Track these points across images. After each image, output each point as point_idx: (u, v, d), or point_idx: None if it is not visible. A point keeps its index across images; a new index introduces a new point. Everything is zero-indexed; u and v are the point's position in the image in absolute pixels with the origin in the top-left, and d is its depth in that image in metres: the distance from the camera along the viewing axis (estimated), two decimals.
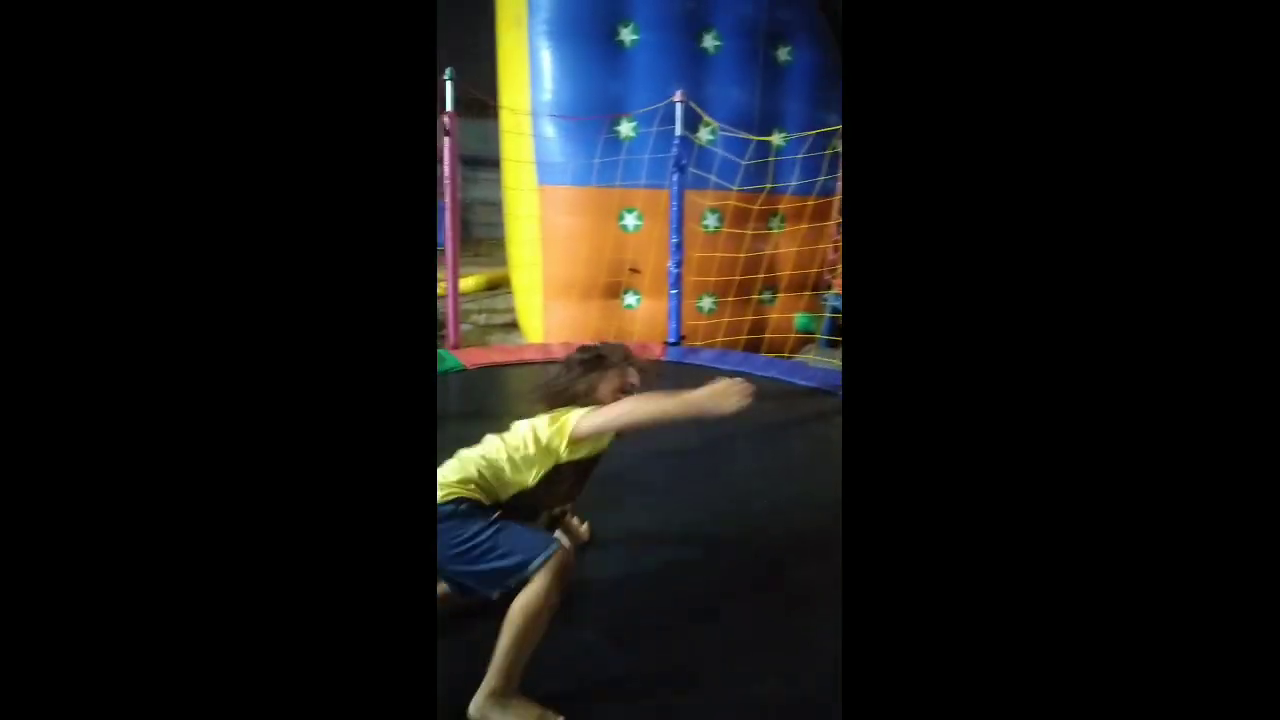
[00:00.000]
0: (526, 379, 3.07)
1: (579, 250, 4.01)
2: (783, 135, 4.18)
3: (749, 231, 4.09)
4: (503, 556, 1.14)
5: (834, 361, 3.59)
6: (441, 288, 3.34)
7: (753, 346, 4.11)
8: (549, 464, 1.28)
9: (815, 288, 4.40)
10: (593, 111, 3.91)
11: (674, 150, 3.65)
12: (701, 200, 3.95)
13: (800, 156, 4.08)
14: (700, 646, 1.28)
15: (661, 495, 1.92)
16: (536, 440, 1.27)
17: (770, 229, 4.25)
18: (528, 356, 3.36)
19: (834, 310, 4.41)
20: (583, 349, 1.44)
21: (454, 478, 1.23)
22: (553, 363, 3.26)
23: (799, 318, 4.41)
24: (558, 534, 1.35)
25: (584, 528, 1.61)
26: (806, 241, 4.23)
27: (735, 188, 3.95)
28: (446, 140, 3.30)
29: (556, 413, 1.30)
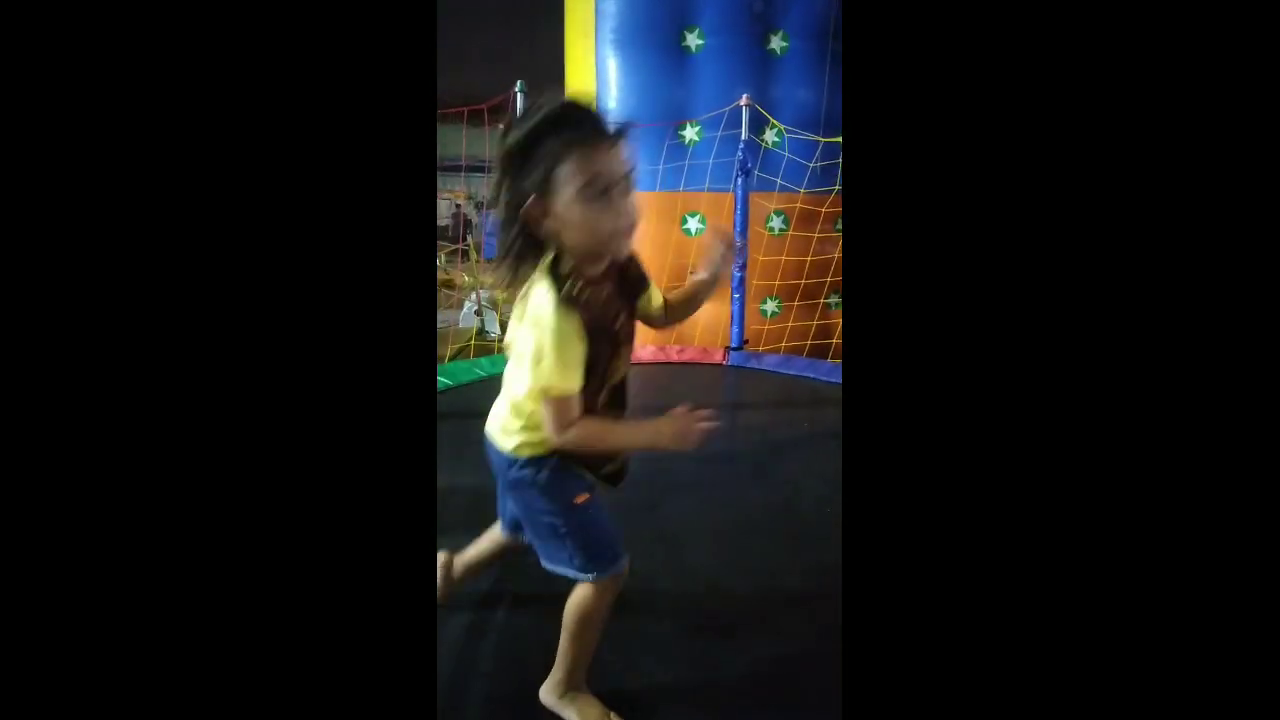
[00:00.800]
0: None
1: (642, 255, 4.03)
2: None
3: (816, 234, 4.03)
4: (575, 551, 1.07)
5: None
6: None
7: (818, 351, 4.04)
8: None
9: None
10: (658, 118, 3.94)
11: (739, 154, 3.64)
12: (766, 203, 3.91)
13: None
14: (742, 654, 1.29)
15: (708, 495, 1.93)
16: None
17: (838, 231, 4.16)
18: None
19: None
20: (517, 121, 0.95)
21: (536, 437, 1.05)
22: None
23: None
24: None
25: None
26: None
27: (802, 190, 3.90)
28: None
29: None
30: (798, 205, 3.96)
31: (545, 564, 1.12)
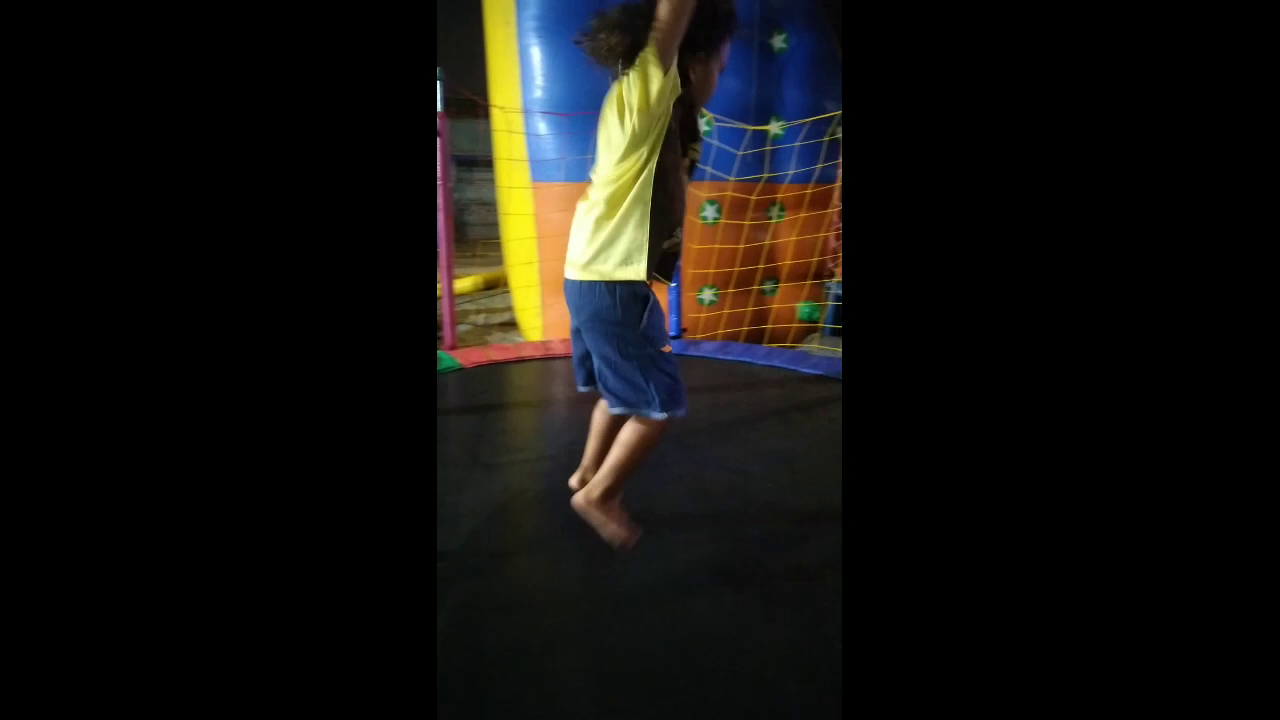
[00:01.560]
0: (526, 375, 3.03)
1: (559, 242, 3.96)
2: (780, 123, 4.13)
3: (748, 222, 4.04)
4: (656, 392, 1.27)
5: (837, 350, 3.53)
6: (438, 289, 3.30)
7: (755, 337, 4.06)
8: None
9: (817, 276, 4.34)
10: (585, 107, 3.87)
11: None
12: (699, 192, 3.90)
13: (798, 144, 4.03)
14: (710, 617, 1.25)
15: (667, 477, 1.87)
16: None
17: (770, 218, 4.20)
18: (526, 354, 3.31)
19: (837, 298, 4.36)
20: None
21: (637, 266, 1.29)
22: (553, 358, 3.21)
23: (801, 306, 4.35)
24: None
25: None
26: (806, 230, 4.17)
27: (732, 178, 3.91)
28: (438, 140, 3.27)
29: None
30: (729, 194, 3.97)
31: (615, 408, 1.30)
